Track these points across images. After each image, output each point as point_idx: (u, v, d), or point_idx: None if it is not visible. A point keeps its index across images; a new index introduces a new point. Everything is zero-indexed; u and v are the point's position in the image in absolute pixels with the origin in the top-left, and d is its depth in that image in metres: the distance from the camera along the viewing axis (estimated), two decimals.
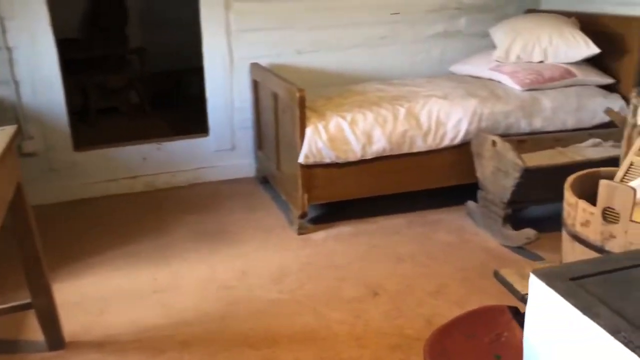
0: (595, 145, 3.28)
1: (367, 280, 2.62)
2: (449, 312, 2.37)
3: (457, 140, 3.12)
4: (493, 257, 2.83)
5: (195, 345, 2.20)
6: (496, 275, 1.82)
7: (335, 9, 3.80)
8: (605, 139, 3.31)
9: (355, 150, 2.99)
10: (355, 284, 2.60)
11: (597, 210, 1.57)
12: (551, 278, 1.20)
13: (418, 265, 2.76)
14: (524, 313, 1.88)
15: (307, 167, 2.98)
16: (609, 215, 1.58)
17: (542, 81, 3.32)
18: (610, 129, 3.32)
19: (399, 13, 3.93)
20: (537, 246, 2.82)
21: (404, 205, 3.31)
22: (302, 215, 3.06)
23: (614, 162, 2.69)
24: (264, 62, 3.67)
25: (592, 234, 1.60)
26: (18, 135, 1.90)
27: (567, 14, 3.68)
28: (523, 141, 3.19)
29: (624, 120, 2.80)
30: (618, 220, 1.55)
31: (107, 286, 2.62)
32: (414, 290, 2.55)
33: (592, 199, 1.77)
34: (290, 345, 2.19)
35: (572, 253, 1.70)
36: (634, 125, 2.48)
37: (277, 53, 3.75)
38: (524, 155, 2.85)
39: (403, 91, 3.35)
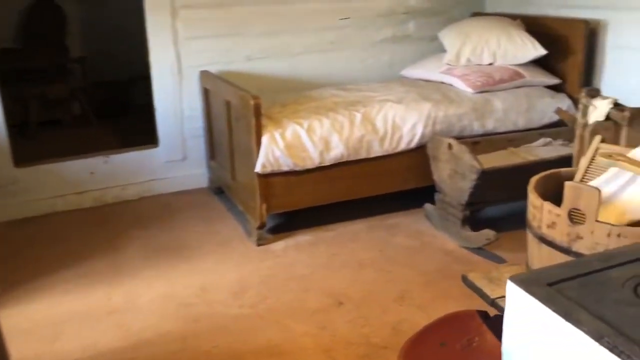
0: (545, 144, 3.36)
1: (331, 290, 2.58)
2: (414, 317, 2.36)
3: (413, 144, 3.13)
4: (453, 259, 2.84)
5: None
6: (464, 279, 1.82)
7: (285, 15, 3.76)
8: (554, 137, 3.40)
9: (313, 157, 2.95)
10: (318, 294, 2.56)
11: (563, 212, 1.58)
12: (529, 284, 1.19)
13: (380, 271, 2.74)
14: (493, 317, 1.89)
15: (264, 176, 2.92)
16: (574, 217, 1.60)
17: (492, 83, 3.37)
18: (559, 128, 3.41)
19: (348, 18, 3.93)
20: (496, 246, 2.86)
21: (362, 210, 3.29)
22: (261, 226, 2.99)
23: (567, 160, 2.75)
24: (213, 69, 3.59)
25: (559, 235, 1.61)
26: None
27: (512, 17, 3.76)
28: (477, 143, 3.23)
29: (573, 120, 2.87)
30: (584, 221, 1.57)
31: (59, 310, 2.47)
32: (378, 297, 2.52)
33: (554, 199, 1.79)
34: None
35: (539, 255, 1.71)
36: (585, 125, 2.54)
37: (227, 60, 3.68)
38: (478, 157, 2.88)
39: (358, 96, 3.34)
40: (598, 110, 2.49)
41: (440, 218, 3.09)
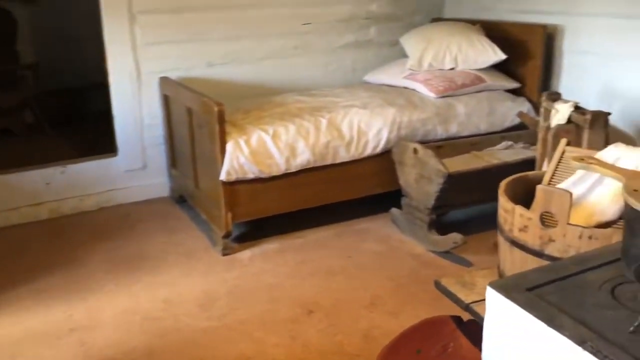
0: (507, 147, 3.41)
1: (300, 299, 2.54)
2: (386, 324, 2.35)
3: (379, 149, 3.13)
4: (422, 263, 2.85)
5: None
6: (437, 285, 1.81)
7: (246, 20, 3.71)
8: (516, 140, 3.45)
9: (279, 163, 2.91)
10: (288, 303, 2.51)
11: (534, 216, 1.59)
12: (509, 290, 1.18)
13: (349, 277, 2.72)
14: (467, 321, 1.89)
15: (229, 184, 2.86)
16: (546, 220, 1.61)
17: (455, 88, 3.40)
18: (520, 131, 3.47)
19: (310, 23, 3.91)
20: (462, 250, 2.87)
21: (329, 216, 3.27)
22: (226, 235, 2.93)
23: (530, 163, 2.80)
24: (174, 75, 3.51)
25: (531, 238, 1.62)
26: None
27: (471, 22, 3.81)
28: (441, 147, 3.25)
29: (536, 123, 2.92)
30: (556, 224, 1.58)
31: (17, 329, 2.35)
32: (349, 304, 2.50)
33: (523, 202, 1.80)
34: None
35: (511, 258, 1.72)
36: (548, 128, 2.59)
37: (188, 66, 3.60)
38: (443, 161, 2.90)
39: (323, 102, 3.32)
40: (560, 114, 2.54)
41: (407, 222, 3.09)
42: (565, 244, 1.56)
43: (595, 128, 2.41)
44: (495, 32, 3.67)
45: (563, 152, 1.92)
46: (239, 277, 2.74)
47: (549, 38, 3.52)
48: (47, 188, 3.39)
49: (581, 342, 1.02)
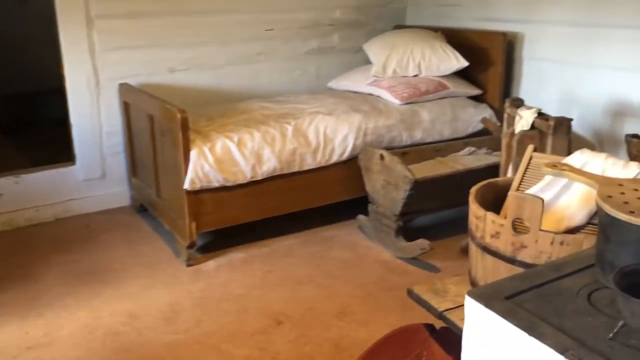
0: (470, 153, 3.45)
1: (268, 309, 2.50)
2: (356, 333, 2.33)
3: (345, 156, 3.11)
4: (389, 270, 2.84)
5: None
6: (410, 293, 1.79)
7: (208, 26, 3.66)
8: (478, 146, 3.49)
9: (244, 171, 2.86)
10: (256, 314, 2.46)
11: (507, 222, 1.59)
12: (487, 299, 1.17)
13: (318, 286, 2.69)
14: (440, 329, 1.88)
15: (193, 193, 2.79)
16: (517, 226, 1.61)
17: (419, 94, 3.42)
18: (482, 137, 3.51)
19: (273, 29, 3.88)
20: (429, 256, 2.88)
21: (294, 224, 3.23)
22: (190, 245, 2.86)
23: (494, 169, 2.83)
24: (134, 82, 3.43)
25: (503, 245, 1.62)
26: None
27: (433, 29, 3.85)
28: (406, 153, 3.26)
29: (499, 129, 2.96)
30: (527, 230, 1.58)
31: None
32: (318, 313, 2.47)
33: (492, 207, 1.80)
34: None
35: (483, 265, 1.72)
36: (512, 134, 2.61)
37: (148, 72, 3.52)
38: (409, 167, 2.90)
39: (288, 108, 3.28)
40: (524, 120, 2.57)
41: (374, 229, 3.08)
42: (537, 250, 1.56)
43: (558, 134, 2.44)
44: (456, 39, 3.71)
45: (530, 158, 1.94)
46: (205, 289, 2.67)
47: (509, 45, 3.58)
48: (0, 199, 3.24)
49: (563, 351, 1.01)
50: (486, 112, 3.55)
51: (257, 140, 2.90)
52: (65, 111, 3.37)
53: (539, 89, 3.48)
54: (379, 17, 4.24)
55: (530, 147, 1.98)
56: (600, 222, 1.23)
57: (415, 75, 3.59)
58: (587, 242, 1.53)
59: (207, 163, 2.76)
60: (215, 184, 2.81)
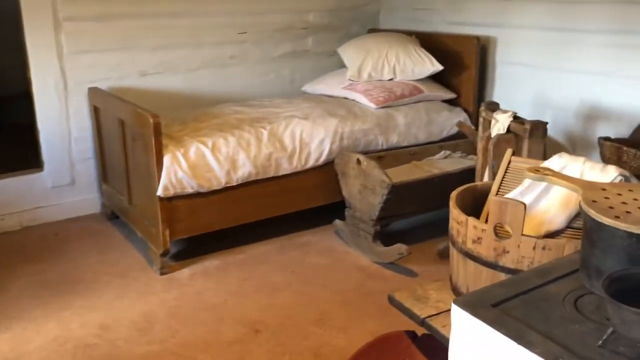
0: (446, 156, 3.45)
1: (246, 318, 2.44)
2: (335, 341, 2.29)
3: (322, 160, 3.09)
4: (367, 275, 2.81)
5: None
6: (391, 300, 1.77)
7: (180, 28, 3.59)
8: (453, 150, 3.50)
9: (219, 177, 2.80)
10: (233, 323, 2.41)
11: (489, 227, 1.58)
12: (474, 307, 1.15)
13: (295, 293, 2.65)
14: (421, 336, 1.86)
15: (167, 200, 2.73)
16: (498, 231, 1.60)
17: (394, 98, 3.41)
18: (457, 140, 3.52)
19: (246, 32, 3.83)
20: (406, 260, 2.86)
21: (270, 230, 3.18)
22: (164, 253, 2.79)
23: (470, 172, 2.83)
24: (103, 86, 3.34)
25: (485, 250, 1.61)
26: None
27: (407, 33, 3.85)
28: (382, 157, 3.24)
29: (474, 133, 2.96)
30: (507, 235, 1.57)
31: None
32: (296, 321, 2.43)
33: (471, 212, 1.79)
34: None
35: (464, 270, 1.70)
36: (488, 138, 2.62)
37: (119, 76, 3.44)
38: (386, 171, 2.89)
39: (262, 112, 3.24)
40: (500, 123, 2.58)
41: (352, 234, 3.06)
42: (520, 254, 1.55)
43: (534, 137, 2.45)
44: (430, 43, 3.72)
45: (509, 162, 1.93)
46: (180, 298, 2.60)
47: (483, 49, 3.61)
48: None
49: (553, 359, 1.00)
50: (460, 116, 3.56)
51: (232, 145, 2.85)
52: (33, 116, 3.27)
53: (512, 93, 3.51)
54: (353, 21, 4.23)
55: (509, 151, 1.97)
56: (585, 227, 1.23)
57: (391, 79, 3.58)
58: (569, 246, 1.53)
59: (180, 169, 2.70)
60: (189, 190, 2.75)
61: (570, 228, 1.75)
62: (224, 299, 2.59)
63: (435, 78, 3.69)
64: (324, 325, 2.40)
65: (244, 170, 2.86)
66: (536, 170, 1.35)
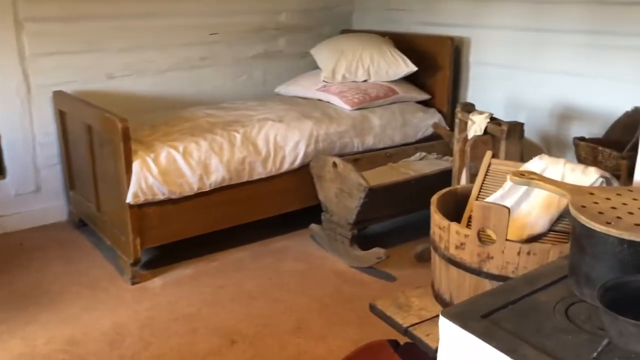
0: (421, 158, 3.43)
1: (221, 328, 2.37)
2: (314, 349, 2.23)
3: (297, 164, 3.02)
4: (345, 280, 2.76)
5: None
6: (373, 309, 1.72)
7: (148, 29, 3.49)
8: (429, 151, 3.47)
9: (191, 182, 2.72)
10: (208, 334, 2.33)
11: (472, 233, 1.54)
12: (463, 319, 1.10)
13: (272, 301, 2.58)
14: (403, 344, 1.81)
15: (137, 207, 2.63)
16: (481, 236, 1.56)
17: (369, 100, 3.37)
18: (432, 142, 3.49)
19: (217, 33, 3.75)
20: (384, 264, 2.81)
21: (245, 236, 3.11)
22: (135, 262, 2.69)
23: (447, 174, 2.80)
24: (69, 89, 3.22)
25: (468, 256, 1.57)
26: None
27: (380, 34, 3.81)
28: (358, 159, 3.20)
29: (451, 134, 2.94)
30: (492, 240, 1.54)
31: None
32: (273, 330, 2.36)
33: (452, 216, 1.76)
34: None
35: (447, 277, 1.66)
36: (465, 139, 2.59)
37: (85, 79, 3.32)
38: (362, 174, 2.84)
39: (235, 115, 3.16)
40: (476, 125, 2.55)
41: (328, 238, 3.00)
42: (504, 260, 1.52)
43: (511, 139, 2.44)
44: (403, 43, 3.68)
45: (489, 165, 1.90)
46: (152, 308, 2.51)
47: (456, 50, 3.59)
48: None
49: None
50: (435, 117, 3.54)
51: (204, 149, 2.77)
52: None
53: (486, 93, 3.50)
54: (325, 22, 4.18)
55: (489, 154, 1.94)
56: (573, 233, 1.19)
57: (365, 81, 3.54)
58: (554, 251, 1.50)
59: (150, 175, 2.61)
60: (160, 197, 2.66)
61: (552, 231, 1.72)
62: (198, 309, 2.50)
63: (409, 79, 3.66)
64: (302, 333, 2.34)
65: (217, 175, 2.78)
66: (521, 174, 1.31)
